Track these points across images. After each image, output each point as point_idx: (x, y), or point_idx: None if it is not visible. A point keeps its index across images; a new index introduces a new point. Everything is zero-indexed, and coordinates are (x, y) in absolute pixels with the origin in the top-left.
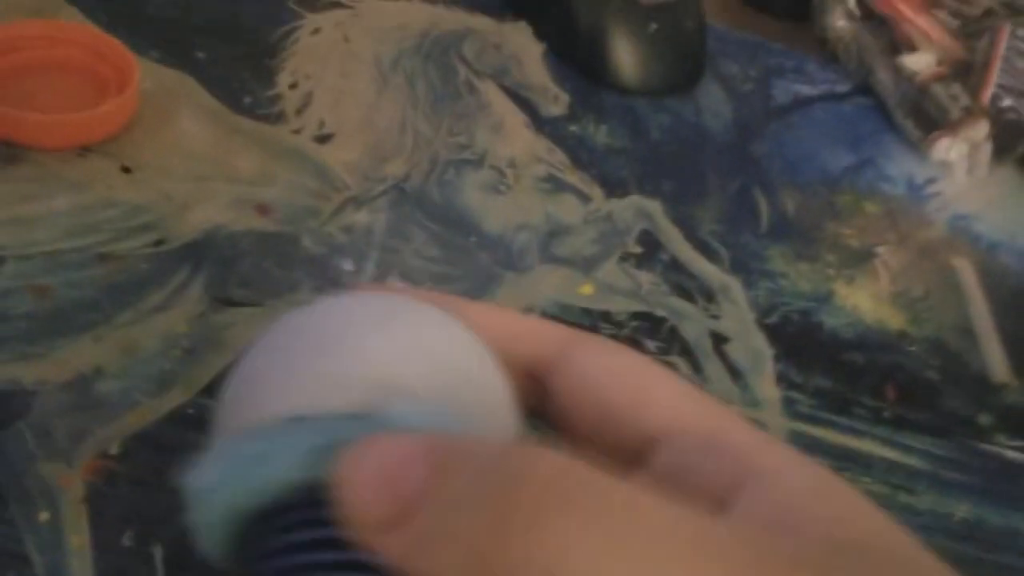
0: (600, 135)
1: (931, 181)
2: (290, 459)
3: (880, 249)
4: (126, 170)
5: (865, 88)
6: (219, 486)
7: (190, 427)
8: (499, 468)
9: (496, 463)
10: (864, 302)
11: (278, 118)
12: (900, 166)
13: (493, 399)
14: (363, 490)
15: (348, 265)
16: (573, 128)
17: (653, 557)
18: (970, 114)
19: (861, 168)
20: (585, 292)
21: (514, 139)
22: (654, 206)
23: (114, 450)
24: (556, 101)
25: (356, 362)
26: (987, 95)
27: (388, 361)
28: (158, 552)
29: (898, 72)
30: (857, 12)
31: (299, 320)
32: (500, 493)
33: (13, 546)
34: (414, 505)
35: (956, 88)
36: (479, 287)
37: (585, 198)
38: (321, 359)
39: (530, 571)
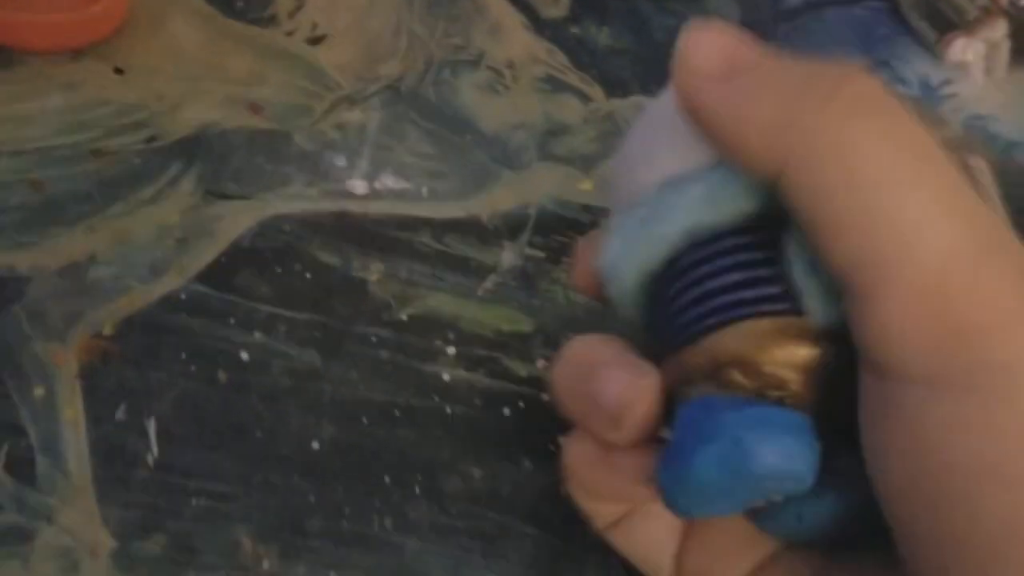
0: (602, 36)
1: (947, 82)
2: (674, 212)
3: None
4: (118, 71)
5: None
6: (624, 253)
7: (182, 311)
8: (828, 71)
9: (826, 69)
10: None
11: (270, 21)
12: (915, 68)
13: None
14: (703, 48)
15: (340, 161)
16: (574, 30)
17: (931, 179)
18: (988, 13)
19: (875, 70)
20: (585, 188)
21: (512, 41)
22: None
23: (107, 331)
24: (556, 3)
25: None
26: None
27: None
28: (151, 425)
29: None
30: None
31: (657, 105)
32: (825, 83)
33: (9, 418)
34: (745, 67)
35: None
36: (475, 183)
37: (585, 98)
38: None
39: (820, 139)
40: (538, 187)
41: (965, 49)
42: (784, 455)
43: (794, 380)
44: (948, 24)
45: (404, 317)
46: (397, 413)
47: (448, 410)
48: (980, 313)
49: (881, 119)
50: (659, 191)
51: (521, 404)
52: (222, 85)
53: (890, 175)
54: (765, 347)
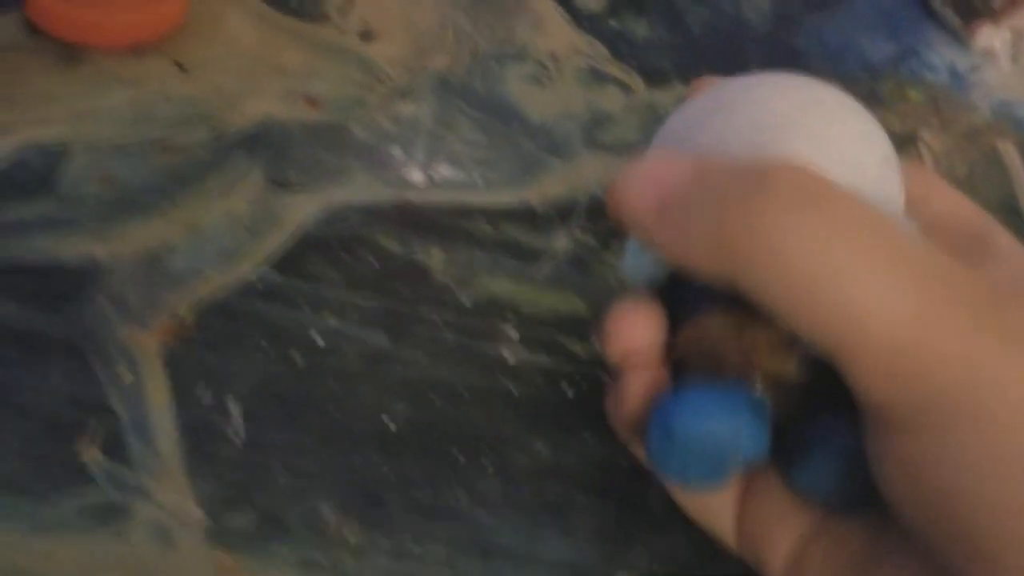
0: (640, 28)
1: (974, 69)
2: None
3: (923, 133)
4: (180, 68)
5: None
6: (634, 267)
7: (257, 296)
8: (750, 172)
9: (748, 170)
10: None
11: (322, 18)
12: (942, 55)
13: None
14: (636, 185)
15: (397, 151)
16: (612, 23)
17: (867, 255)
18: (1013, 2)
19: (903, 57)
20: None
21: (554, 34)
22: None
23: (187, 316)
24: None
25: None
26: None
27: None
28: (236, 407)
29: None
30: None
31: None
32: (750, 185)
33: (100, 400)
34: (675, 199)
35: None
36: (525, 171)
37: (627, 88)
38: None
39: (755, 244)
40: (586, 175)
41: (991, 36)
42: (705, 434)
43: (763, 365)
44: (974, 11)
45: (466, 300)
46: (465, 393)
47: (513, 390)
48: (929, 365)
49: (807, 209)
50: None
51: (581, 383)
52: (279, 79)
53: (826, 266)
54: (735, 336)
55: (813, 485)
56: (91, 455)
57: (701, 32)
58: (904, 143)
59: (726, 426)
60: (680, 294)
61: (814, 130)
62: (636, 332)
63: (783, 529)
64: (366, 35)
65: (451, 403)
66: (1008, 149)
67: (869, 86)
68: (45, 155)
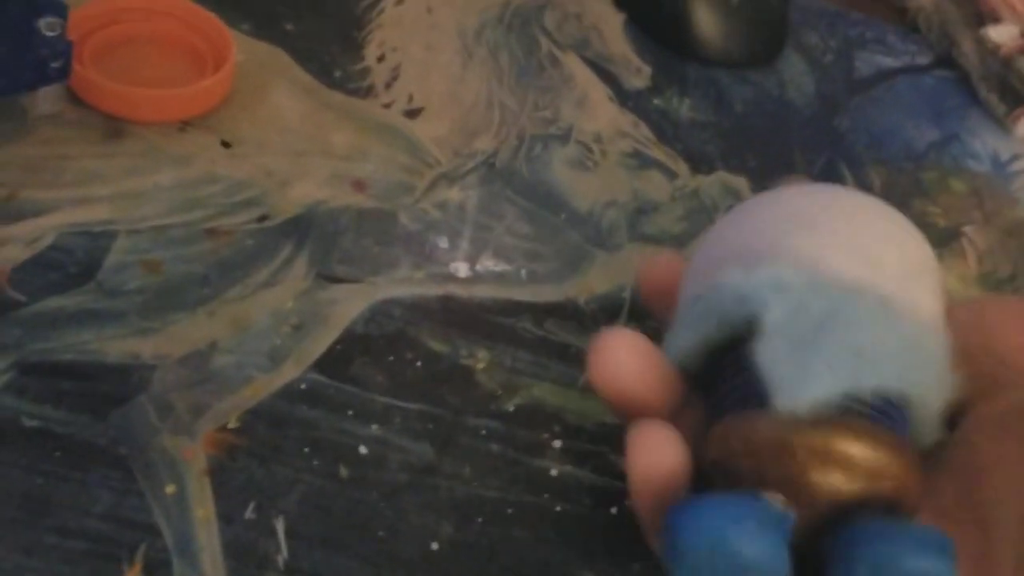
0: (684, 108)
1: (1017, 157)
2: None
3: (967, 228)
4: (226, 145)
5: (947, 60)
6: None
7: (303, 402)
8: None
9: None
10: (952, 283)
11: (368, 92)
12: (985, 142)
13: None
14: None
15: (443, 242)
16: (657, 101)
17: None
18: None
19: (946, 144)
20: None
21: (598, 113)
22: (740, 182)
23: (232, 424)
24: (639, 73)
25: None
26: None
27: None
28: (280, 523)
29: (981, 44)
30: None
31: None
32: None
33: (144, 517)
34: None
35: None
36: (571, 264)
37: (671, 174)
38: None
39: None
40: (631, 268)
41: None
42: (714, 551)
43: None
44: (1018, 98)
45: (511, 408)
46: (509, 511)
47: (558, 508)
48: None
49: None
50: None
51: (626, 502)
52: (327, 160)
53: None
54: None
55: None
56: None
57: (745, 112)
58: (948, 239)
59: (742, 542)
60: (717, 384)
61: (833, 227)
62: (655, 456)
63: None
64: (412, 112)
65: (496, 522)
66: None
67: (913, 176)
68: (87, 236)
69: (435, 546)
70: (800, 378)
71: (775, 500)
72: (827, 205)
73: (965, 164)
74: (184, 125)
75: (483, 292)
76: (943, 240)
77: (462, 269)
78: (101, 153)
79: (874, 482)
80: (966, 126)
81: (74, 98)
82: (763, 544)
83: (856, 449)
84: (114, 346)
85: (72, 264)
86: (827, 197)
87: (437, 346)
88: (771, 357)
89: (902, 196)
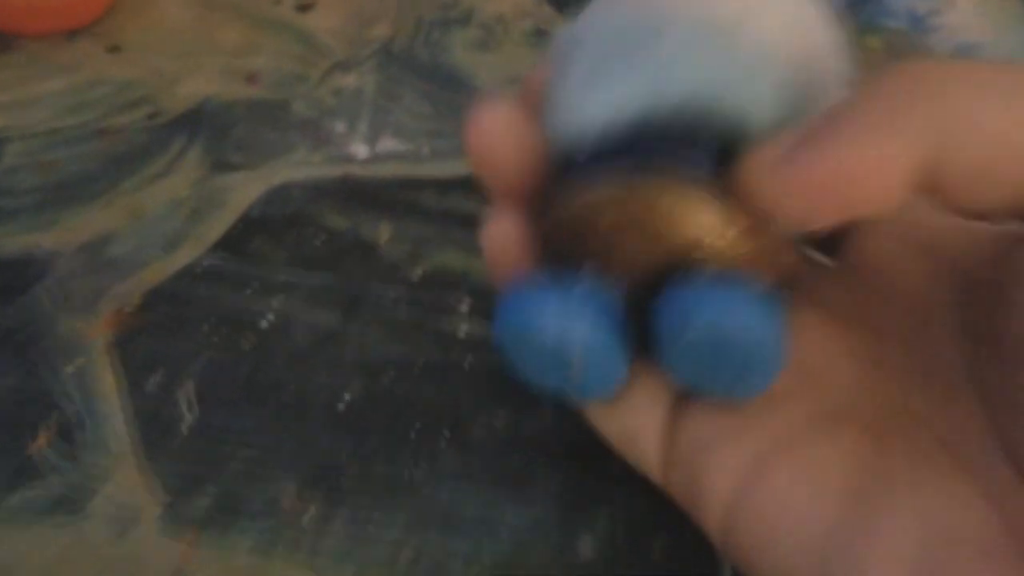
0: None
1: (934, 12)
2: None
3: None
4: (114, 50)
5: None
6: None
7: (203, 280)
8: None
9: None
10: None
11: None
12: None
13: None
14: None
15: (340, 126)
16: None
17: None
18: None
19: (861, 3)
20: None
21: None
22: None
23: (133, 304)
24: None
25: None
26: None
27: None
28: (186, 392)
29: None
30: None
31: None
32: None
33: (46, 395)
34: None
35: None
36: None
37: None
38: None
39: (928, 128)
40: None
41: None
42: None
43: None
44: None
45: (416, 276)
46: (418, 369)
47: (467, 363)
48: None
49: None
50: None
51: None
52: (217, 58)
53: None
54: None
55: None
56: (42, 449)
57: None
58: None
59: (558, 322)
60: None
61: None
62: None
63: (728, 451)
64: (304, 7)
65: (404, 380)
66: None
67: None
68: None
69: (343, 405)
70: (592, 84)
71: (590, 277)
72: None
73: (880, 22)
74: (72, 35)
75: (384, 170)
76: None
77: (361, 151)
78: None
79: (679, 240)
80: None
81: None
82: (580, 324)
83: (657, 209)
84: (12, 241)
85: None
86: None
87: (338, 222)
88: (573, 77)
89: None
